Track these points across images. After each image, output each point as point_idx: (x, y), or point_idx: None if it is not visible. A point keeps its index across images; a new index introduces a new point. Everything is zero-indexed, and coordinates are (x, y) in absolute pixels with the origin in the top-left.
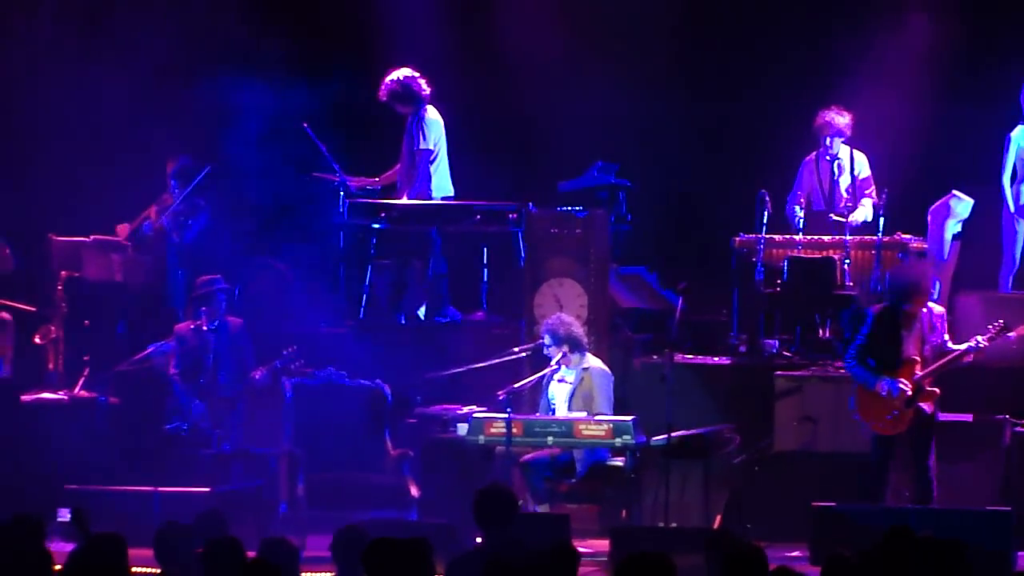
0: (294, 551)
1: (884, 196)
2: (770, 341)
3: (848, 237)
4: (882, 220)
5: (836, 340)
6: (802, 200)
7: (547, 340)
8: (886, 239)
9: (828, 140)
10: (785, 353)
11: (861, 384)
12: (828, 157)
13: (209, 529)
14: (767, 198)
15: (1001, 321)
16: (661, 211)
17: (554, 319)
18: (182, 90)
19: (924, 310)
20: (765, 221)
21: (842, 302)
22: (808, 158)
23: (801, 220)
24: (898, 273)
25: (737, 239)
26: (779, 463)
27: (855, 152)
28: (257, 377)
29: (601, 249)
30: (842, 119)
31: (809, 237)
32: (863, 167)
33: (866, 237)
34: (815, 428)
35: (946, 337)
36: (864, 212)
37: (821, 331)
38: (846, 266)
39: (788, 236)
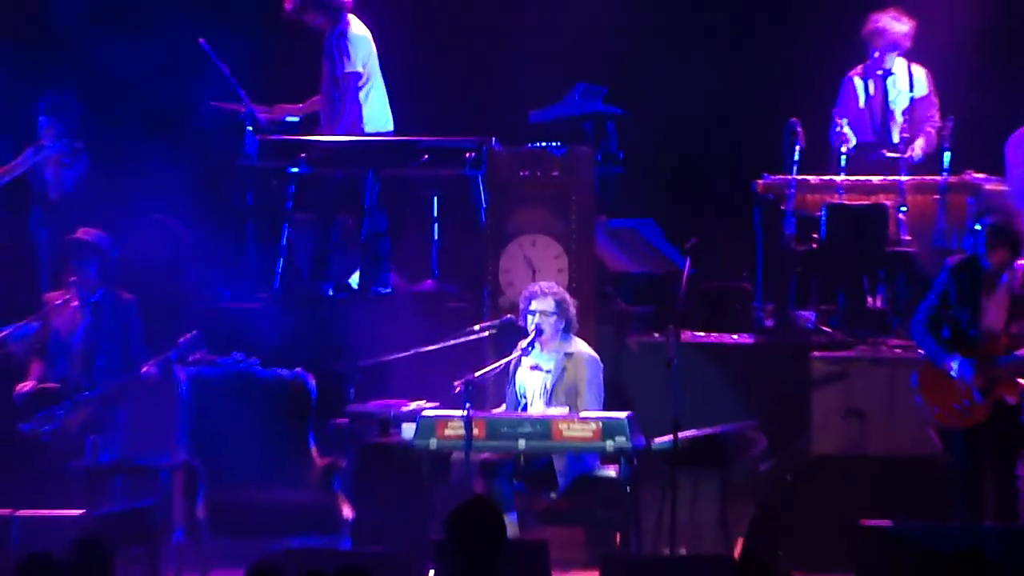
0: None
1: (950, 124)
2: (805, 313)
3: (904, 178)
4: (948, 156)
5: (890, 311)
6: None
7: (549, 309)
8: (952, 180)
9: (879, 53)
10: (824, 328)
11: (929, 357)
12: (879, 73)
13: (87, 561)
14: (799, 129)
15: None
16: (662, 147)
17: (560, 288)
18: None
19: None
20: (797, 159)
21: (897, 261)
22: (852, 73)
23: (849, 148)
24: (989, 216)
25: (760, 182)
26: (819, 470)
27: (913, 67)
28: (145, 372)
29: (585, 197)
30: (900, 27)
31: (854, 178)
32: (924, 86)
33: (927, 178)
34: (864, 425)
35: None
36: (925, 144)
37: (871, 299)
38: (902, 215)
39: (827, 178)
